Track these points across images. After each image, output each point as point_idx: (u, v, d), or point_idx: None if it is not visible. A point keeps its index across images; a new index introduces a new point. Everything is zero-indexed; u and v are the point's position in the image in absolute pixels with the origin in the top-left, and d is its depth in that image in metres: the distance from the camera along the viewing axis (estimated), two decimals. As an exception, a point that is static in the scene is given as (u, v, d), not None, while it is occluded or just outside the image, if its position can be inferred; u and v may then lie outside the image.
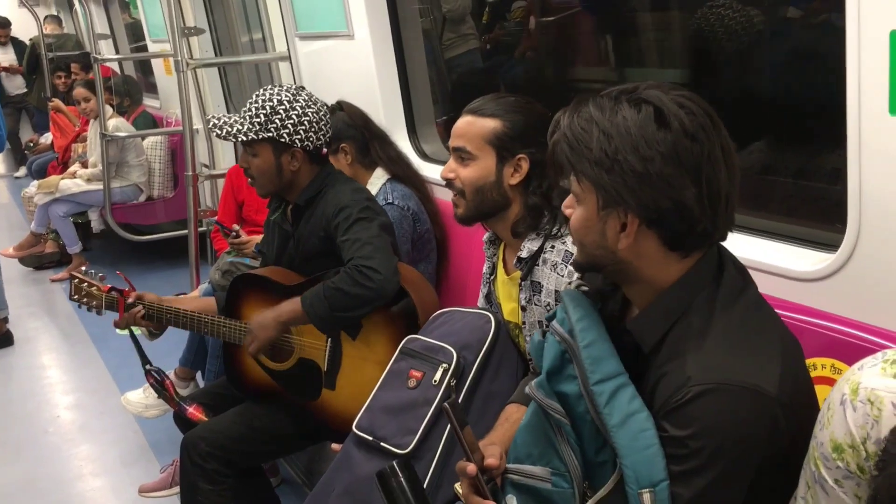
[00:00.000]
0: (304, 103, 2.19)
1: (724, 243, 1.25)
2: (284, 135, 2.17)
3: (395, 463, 1.29)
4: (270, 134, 2.15)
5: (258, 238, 2.79)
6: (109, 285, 2.34)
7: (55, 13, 10.07)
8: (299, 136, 2.18)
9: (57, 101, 6.80)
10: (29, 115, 9.61)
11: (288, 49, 3.73)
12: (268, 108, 2.15)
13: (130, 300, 2.27)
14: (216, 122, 2.19)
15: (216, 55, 5.55)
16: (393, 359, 1.82)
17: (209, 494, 2.14)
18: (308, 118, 2.19)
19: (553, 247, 1.71)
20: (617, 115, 1.15)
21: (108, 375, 4.10)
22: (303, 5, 3.55)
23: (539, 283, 1.71)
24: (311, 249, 2.23)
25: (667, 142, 1.12)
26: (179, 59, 3.65)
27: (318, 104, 2.24)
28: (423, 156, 3.21)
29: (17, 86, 9.50)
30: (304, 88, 2.26)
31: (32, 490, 3.13)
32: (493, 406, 1.68)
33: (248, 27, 5.30)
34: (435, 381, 1.70)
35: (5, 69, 9.35)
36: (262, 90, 2.21)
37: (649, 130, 1.13)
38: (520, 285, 1.74)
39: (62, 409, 3.83)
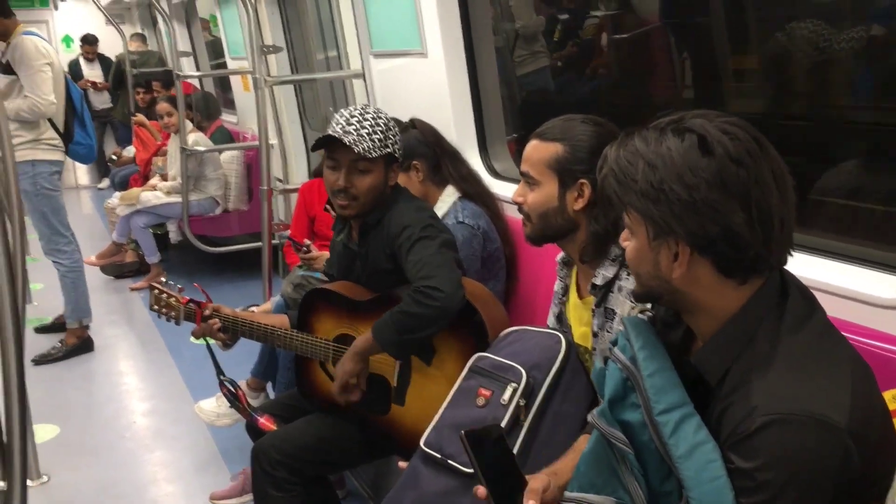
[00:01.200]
0: (393, 122, 2.28)
1: (789, 268, 1.23)
2: (397, 150, 2.25)
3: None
4: (389, 150, 2.22)
5: (327, 255, 2.83)
6: (188, 297, 2.41)
7: (140, 31, 10.46)
8: (402, 152, 2.30)
9: (140, 116, 7.05)
10: (113, 129, 9.99)
11: (362, 67, 3.80)
12: (381, 125, 2.21)
13: (207, 312, 2.33)
14: (345, 136, 2.16)
15: (292, 72, 5.69)
16: (462, 376, 1.82)
17: (278, 501, 2.18)
18: (401, 135, 2.30)
19: (629, 274, 1.69)
20: (661, 146, 1.17)
21: (182, 383, 4.22)
22: (378, 24, 3.61)
23: (613, 310, 1.69)
24: (377, 267, 2.26)
25: (711, 168, 1.13)
26: (258, 76, 3.75)
27: None
28: (494, 173, 3.22)
29: (102, 101, 9.88)
30: (377, 108, 2.32)
31: (110, 494, 3.23)
32: (562, 427, 1.67)
33: (324, 45, 5.41)
34: (504, 401, 1.70)
35: (93, 84, 9.74)
36: (355, 110, 2.23)
37: (693, 158, 1.14)
38: (593, 311, 1.73)
39: (138, 415, 3.95)
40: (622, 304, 1.68)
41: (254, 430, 2.46)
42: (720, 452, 1.13)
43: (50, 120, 4.30)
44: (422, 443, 1.76)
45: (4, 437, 1.34)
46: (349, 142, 2.15)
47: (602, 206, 1.71)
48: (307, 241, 3.14)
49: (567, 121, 1.77)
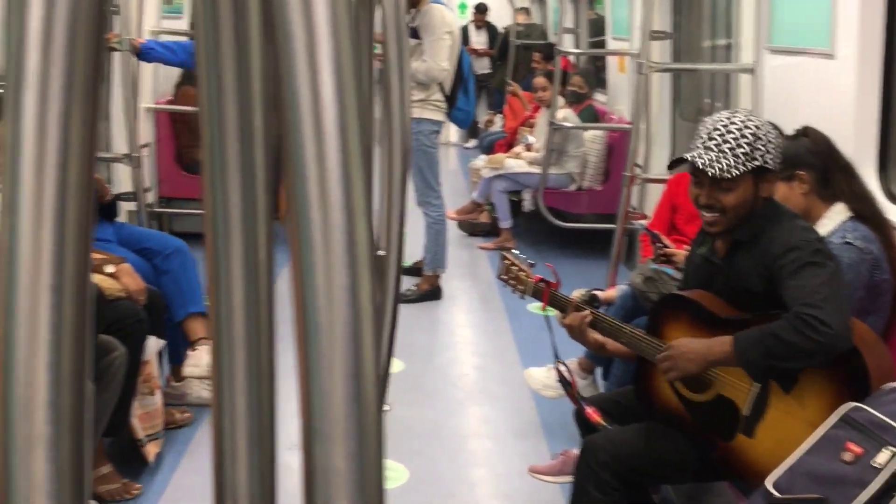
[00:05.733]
0: (768, 127, 2.12)
1: None
2: (769, 160, 2.09)
3: None
4: (758, 162, 2.08)
5: (685, 253, 2.73)
6: (539, 276, 2.47)
7: (526, 5, 10.91)
8: (778, 161, 2.13)
9: (515, 86, 7.38)
10: (488, 95, 10.59)
11: (754, 61, 3.56)
12: (749, 136, 2.07)
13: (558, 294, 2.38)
14: (698, 159, 2.08)
15: (674, 59, 5.53)
16: (829, 423, 1.64)
17: (597, 503, 2.17)
18: (779, 141, 2.13)
19: None
20: None
21: (514, 347, 4.38)
22: (781, 17, 3.35)
23: None
24: (745, 288, 2.12)
25: None
26: (643, 61, 3.69)
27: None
28: (892, 197, 2.84)
29: (481, 66, 10.50)
30: (749, 112, 2.19)
31: (436, 435, 3.47)
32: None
33: (712, 33, 5.18)
34: (877, 464, 1.50)
35: (474, 51, 10.39)
36: (721, 119, 2.11)
37: None
38: None
39: (470, 367, 4.19)
40: None
41: (580, 419, 2.47)
42: None
43: (439, 83, 4.67)
44: (770, 483, 1.62)
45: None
46: (702, 165, 2.04)
47: None
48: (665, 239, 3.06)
49: None
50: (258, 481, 0.52)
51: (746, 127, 2.07)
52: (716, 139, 2.08)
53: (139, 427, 2.86)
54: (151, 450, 2.91)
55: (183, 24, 6.10)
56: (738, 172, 2.05)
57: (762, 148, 2.07)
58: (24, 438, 0.43)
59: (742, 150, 2.06)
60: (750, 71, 3.61)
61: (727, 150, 2.06)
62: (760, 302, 2.05)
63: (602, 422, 2.30)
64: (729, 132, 2.07)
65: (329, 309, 0.42)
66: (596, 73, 7.26)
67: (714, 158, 2.05)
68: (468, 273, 5.77)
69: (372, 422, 0.44)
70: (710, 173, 2.05)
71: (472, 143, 10.28)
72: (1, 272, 0.44)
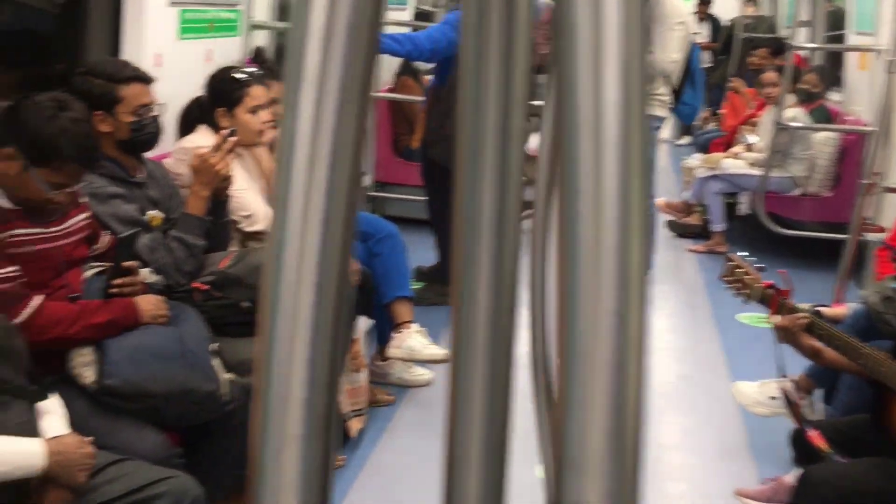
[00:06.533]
0: None
1: None
2: None
3: None
4: None
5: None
6: (770, 281, 2.32)
7: (756, -5, 10.30)
8: None
9: (739, 82, 6.98)
10: (707, 90, 10.10)
11: None
12: None
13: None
14: None
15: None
16: None
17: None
18: None
19: None
20: None
21: (722, 358, 4.15)
22: None
23: None
24: None
25: None
26: (893, 58, 3.34)
27: None
28: None
29: (703, 60, 10.03)
30: None
31: (637, 443, 3.37)
32: None
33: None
34: None
35: (698, 44, 9.94)
36: None
37: None
38: None
39: (674, 375, 4.01)
40: None
41: (798, 442, 2.29)
42: None
43: (666, 76, 4.51)
44: None
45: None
46: None
47: None
48: None
49: None
50: (491, 490, 0.50)
51: None
52: None
53: (345, 402, 3.00)
54: (355, 425, 3.04)
55: (406, 15, 6.32)
56: None
57: None
58: (278, 436, 0.44)
59: None
60: None
61: None
62: None
63: (825, 448, 2.12)
64: None
65: (594, 334, 0.39)
66: (831, 71, 6.71)
67: None
68: (673, 276, 5.55)
69: (632, 461, 0.40)
70: None
71: (686, 140, 9.86)
72: (268, 266, 0.44)
